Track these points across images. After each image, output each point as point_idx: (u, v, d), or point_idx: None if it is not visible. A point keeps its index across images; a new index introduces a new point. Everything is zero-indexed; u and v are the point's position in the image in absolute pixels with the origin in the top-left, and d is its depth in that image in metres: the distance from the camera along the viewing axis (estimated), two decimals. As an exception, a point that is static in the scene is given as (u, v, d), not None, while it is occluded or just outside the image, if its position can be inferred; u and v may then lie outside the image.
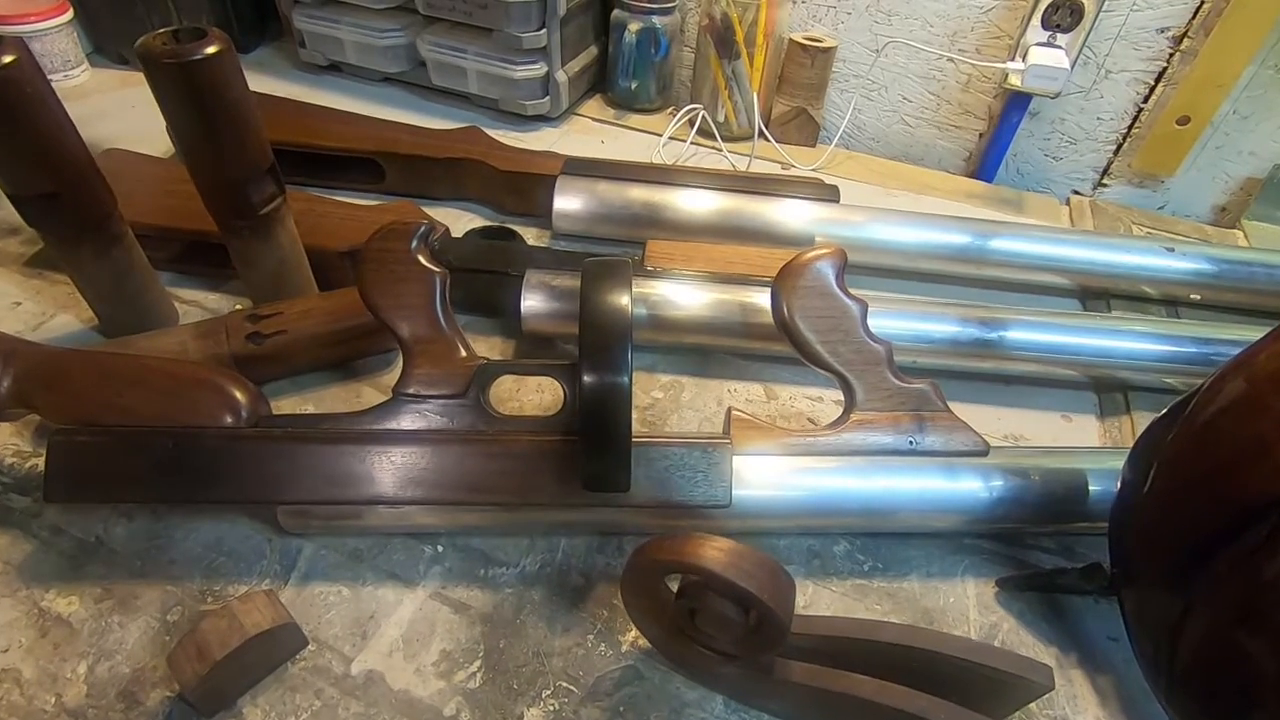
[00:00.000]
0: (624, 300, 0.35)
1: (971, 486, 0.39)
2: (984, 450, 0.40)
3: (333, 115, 0.66)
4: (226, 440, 0.37)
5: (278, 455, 0.36)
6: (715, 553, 0.29)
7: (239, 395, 0.38)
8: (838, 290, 0.40)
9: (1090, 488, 0.40)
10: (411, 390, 0.38)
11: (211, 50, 0.38)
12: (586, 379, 0.34)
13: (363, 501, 0.37)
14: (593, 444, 0.35)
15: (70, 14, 0.74)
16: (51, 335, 0.50)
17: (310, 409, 0.47)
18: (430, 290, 0.39)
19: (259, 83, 0.79)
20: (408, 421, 0.38)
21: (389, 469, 0.37)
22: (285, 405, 0.46)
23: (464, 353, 0.39)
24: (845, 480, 0.39)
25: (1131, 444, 0.47)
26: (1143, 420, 0.49)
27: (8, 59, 0.37)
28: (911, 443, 0.40)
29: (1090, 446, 0.47)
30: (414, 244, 0.39)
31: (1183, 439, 0.33)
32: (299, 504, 0.38)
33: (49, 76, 0.74)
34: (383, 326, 0.38)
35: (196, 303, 0.53)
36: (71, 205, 0.42)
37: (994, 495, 0.39)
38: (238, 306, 0.53)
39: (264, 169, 0.44)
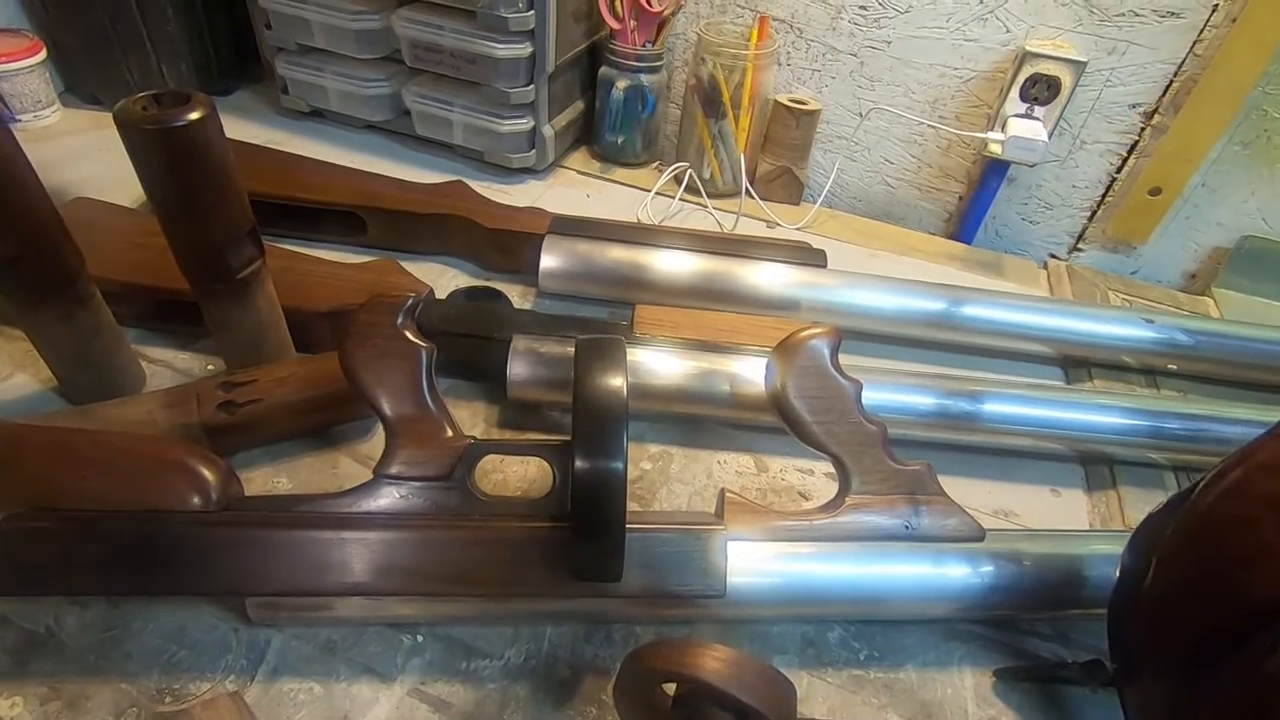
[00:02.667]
0: (619, 382, 0.34)
1: (965, 573, 0.39)
2: (979, 535, 0.39)
3: (315, 166, 0.65)
4: (194, 526, 0.34)
5: (248, 543, 0.34)
6: (715, 663, 0.28)
7: (208, 475, 0.36)
8: (833, 370, 0.39)
9: (1085, 574, 0.39)
10: (393, 471, 0.36)
11: (194, 116, 0.37)
12: (579, 464, 0.33)
13: (339, 593, 0.35)
14: (585, 533, 0.34)
15: (43, 54, 0.72)
16: (7, 399, 0.47)
17: (284, 480, 0.44)
18: (416, 367, 0.37)
19: (239, 127, 0.78)
20: (388, 504, 0.36)
21: (367, 557, 0.35)
22: (258, 476, 0.44)
23: (450, 432, 0.37)
24: (840, 567, 0.38)
25: (1120, 519, 0.48)
26: (1130, 496, 0.49)
27: (-26, 121, 0.35)
28: (907, 527, 0.39)
29: (1083, 530, 0.47)
30: (400, 318, 0.37)
31: (1182, 534, 0.33)
32: (271, 595, 0.35)
33: (19, 117, 0.73)
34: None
35: (166, 363, 0.51)
36: (33, 268, 0.40)
37: (988, 582, 0.38)
38: (209, 367, 0.51)
39: (244, 232, 0.42)
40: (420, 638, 0.38)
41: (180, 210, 0.39)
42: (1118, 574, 0.37)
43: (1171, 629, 0.33)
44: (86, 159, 0.69)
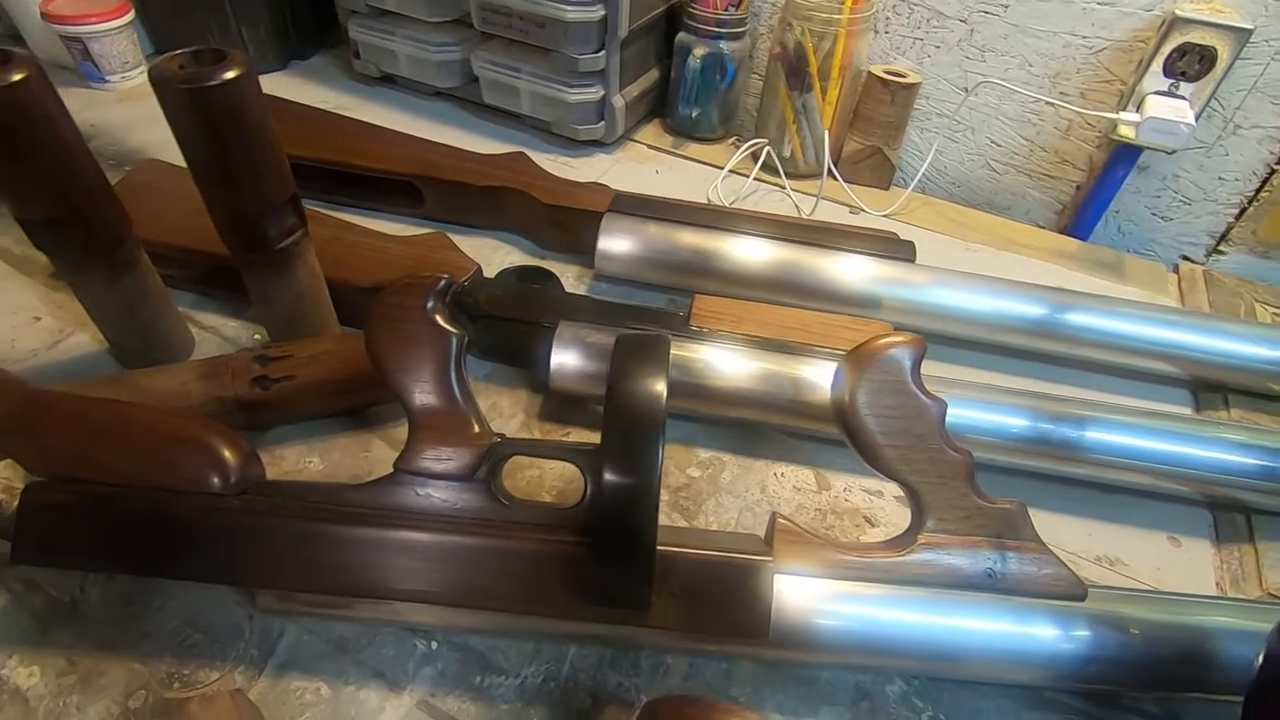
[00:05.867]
0: (659, 387, 0.30)
1: (1058, 636, 0.33)
2: (1081, 594, 0.33)
3: (376, 134, 0.63)
4: (206, 510, 0.33)
5: (260, 532, 0.32)
6: (744, 735, 0.23)
7: (228, 455, 0.34)
8: (914, 386, 0.34)
9: (1209, 651, 0.33)
10: (414, 467, 0.34)
11: (230, 75, 0.35)
12: (606, 479, 0.29)
13: (347, 593, 0.32)
14: (609, 555, 0.30)
15: (131, 15, 0.73)
16: (66, 357, 0.47)
17: (316, 460, 0.43)
18: (445, 355, 0.34)
19: (312, 91, 0.77)
20: (405, 501, 0.34)
21: (381, 558, 0.32)
22: (289, 455, 0.43)
23: (477, 428, 0.34)
24: (906, 614, 0.33)
25: (1257, 582, 0.40)
26: (1272, 554, 0.41)
27: (16, 76, 0.34)
28: (990, 575, 0.33)
29: (1210, 595, 0.39)
30: (430, 302, 0.34)
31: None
32: (274, 589, 0.34)
33: (107, 78, 0.74)
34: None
35: (215, 329, 0.50)
36: (78, 231, 0.39)
37: (1085, 650, 0.32)
38: (256, 336, 0.50)
39: (283, 200, 0.40)
40: (435, 644, 0.35)
41: (215, 175, 0.38)
42: (1260, 660, 0.30)
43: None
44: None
